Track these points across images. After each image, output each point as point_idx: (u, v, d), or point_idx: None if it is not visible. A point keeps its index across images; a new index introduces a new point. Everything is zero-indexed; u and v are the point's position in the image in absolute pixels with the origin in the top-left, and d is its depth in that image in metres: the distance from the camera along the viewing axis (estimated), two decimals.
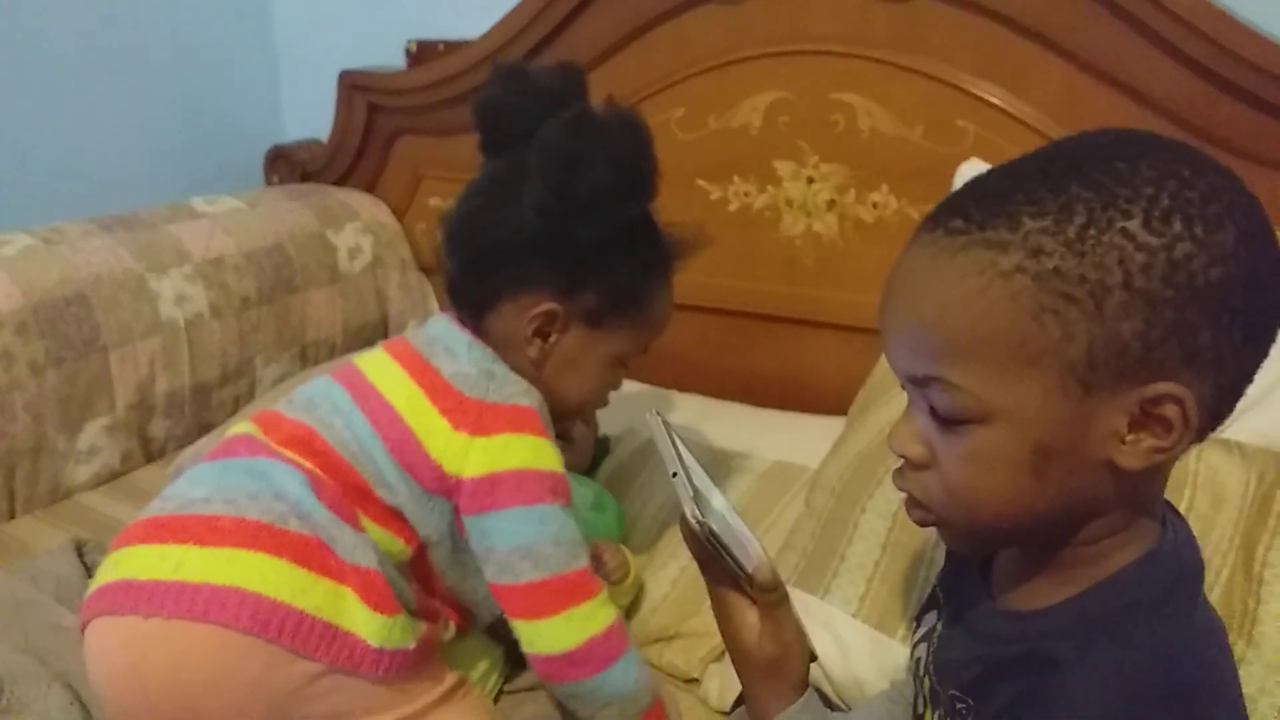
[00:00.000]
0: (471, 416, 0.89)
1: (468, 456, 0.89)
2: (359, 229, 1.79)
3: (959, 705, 0.60)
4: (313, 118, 1.95)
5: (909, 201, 1.38)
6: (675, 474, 0.59)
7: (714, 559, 0.59)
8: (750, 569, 0.59)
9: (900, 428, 0.59)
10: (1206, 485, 0.94)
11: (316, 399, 0.94)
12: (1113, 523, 0.57)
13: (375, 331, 1.83)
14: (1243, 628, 0.84)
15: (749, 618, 0.64)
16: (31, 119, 1.72)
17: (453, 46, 1.74)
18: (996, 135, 1.30)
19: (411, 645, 0.83)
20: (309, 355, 1.72)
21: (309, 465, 0.87)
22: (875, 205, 1.40)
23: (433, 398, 0.91)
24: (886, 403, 1.16)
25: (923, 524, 0.61)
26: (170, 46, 1.92)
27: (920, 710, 0.68)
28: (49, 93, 1.74)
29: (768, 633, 0.68)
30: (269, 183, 1.97)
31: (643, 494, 1.25)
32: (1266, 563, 0.85)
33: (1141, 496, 0.57)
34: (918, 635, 0.71)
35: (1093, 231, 0.50)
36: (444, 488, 0.89)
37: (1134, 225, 0.50)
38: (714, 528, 0.57)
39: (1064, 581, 0.58)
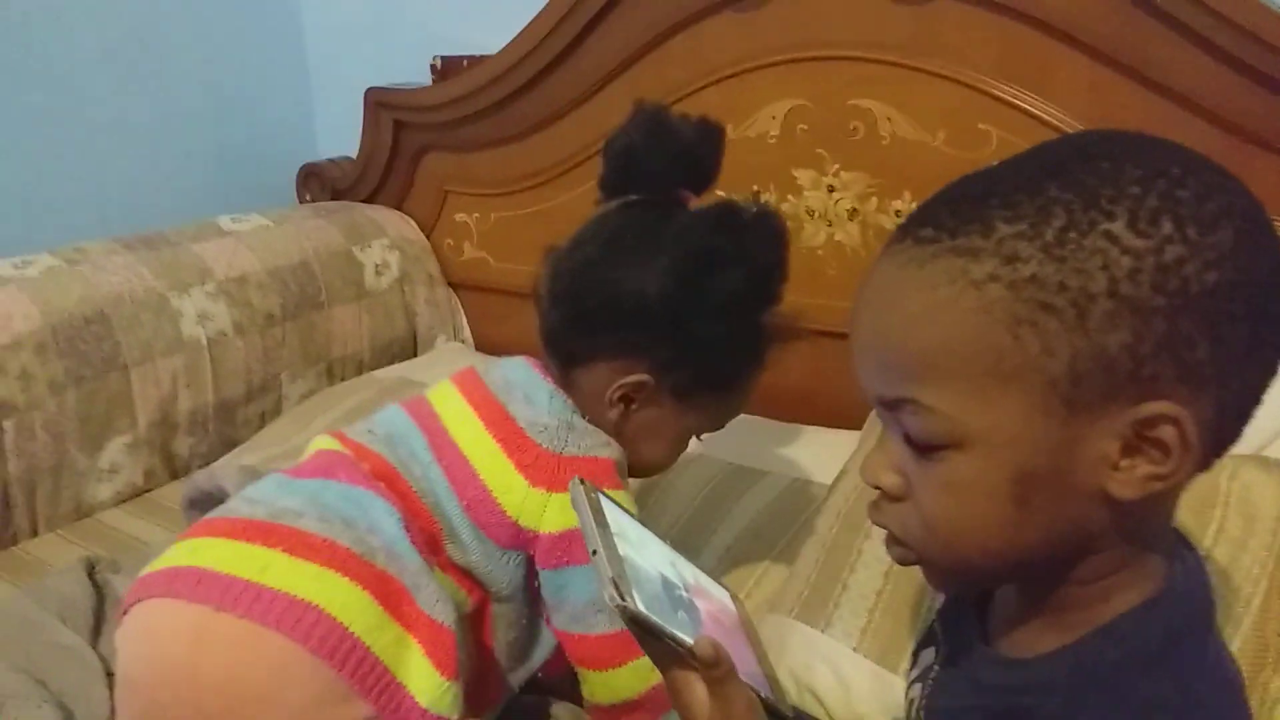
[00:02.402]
0: (548, 472, 0.87)
1: (544, 513, 0.87)
2: (386, 245, 1.79)
3: None
4: (345, 135, 1.96)
5: None
6: (595, 552, 0.55)
7: (651, 637, 0.54)
8: (690, 644, 0.54)
9: (873, 456, 0.55)
10: (1239, 505, 0.89)
11: (396, 439, 0.91)
12: (1111, 560, 0.51)
13: (403, 347, 1.83)
14: (1278, 663, 0.78)
15: (698, 693, 0.57)
16: (62, 140, 1.76)
17: (476, 61, 1.74)
18: (1021, 138, 1.25)
19: (455, 718, 0.79)
20: (335, 371, 1.72)
21: (399, 505, 0.85)
22: (898, 213, 1.36)
23: (509, 451, 0.88)
24: None
25: (903, 562, 0.56)
26: (202, 65, 1.95)
27: None
28: (80, 113, 1.77)
29: (718, 710, 0.59)
30: (301, 200, 1.98)
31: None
32: None
33: (1143, 530, 0.52)
34: (914, 674, 0.66)
35: (1073, 235, 0.46)
36: (520, 541, 0.88)
37: (1118, 227, 0.45)
38: (640, 609, 0.52)
39: (1059, 626, 0.53)
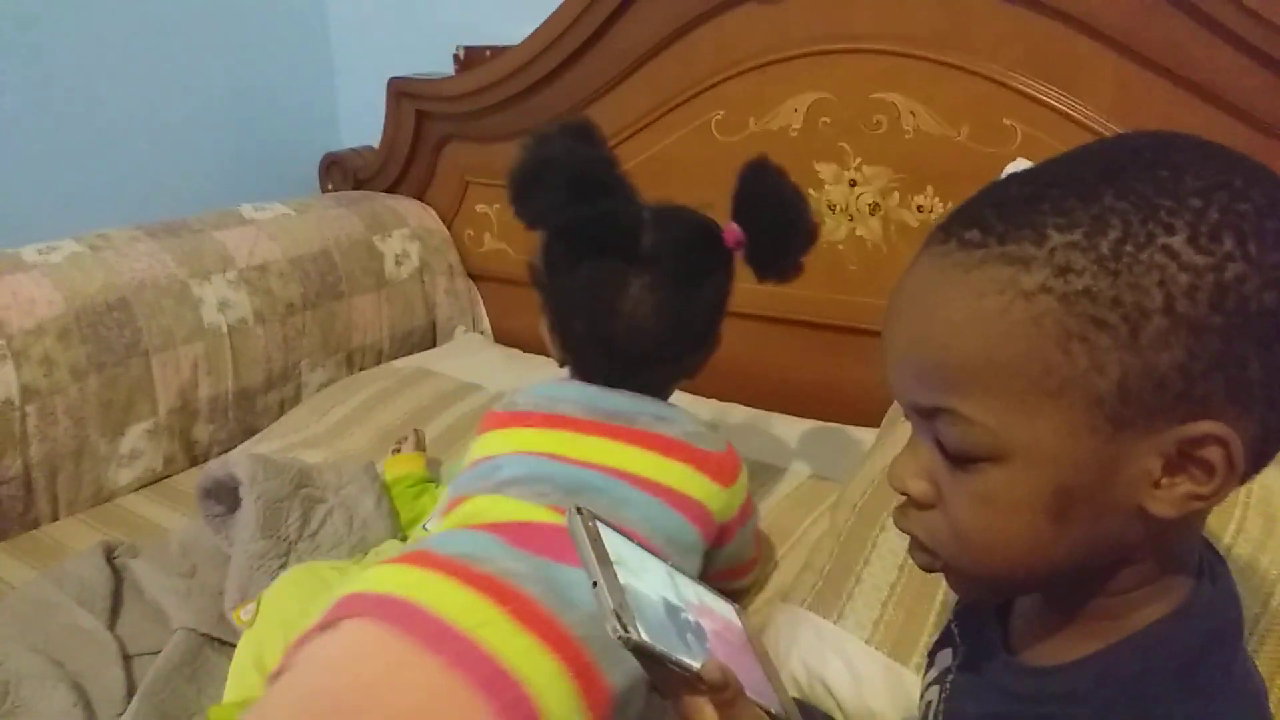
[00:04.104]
0: (727, 469, 0.99)
1: (731, 504, 0.99)
2: (406, 235, 1.80)
3: None
4: (367, 124, 1.96)
5: (955, 204, 1.31)
6: (595, 584, 0.54)
7: (658, 664, 0.54)
8: (697, 668, 0.53)
9: (902, 462, 0.53)
10: (1260, 506, 0.87)
11: (592, 491, 0.92)
12: (1142, 572, 0.50)
13: (422, 337, 1.83)
14: None
15: (708, 717, 0.55)
16: (87, 128, 1.77)
17: (499, 52, 1.74)
18: (1046, 134, 1.24)
19: None
20: (355, 360, 1.73)
21: None
22: (920, 208, 1.35)
23: (697, 466, 0.97)
24: None
25: (928, 569, 0.54)
26: (226, 54, 1.96)
27: None
28: (105, 101, 1.79)
29: None
30: (324, 190, 1.98)
31: None
32: None
33: (1175, 544, 0.50)
34: (930, 675, 0.65)
35: (1129, 248, 0.43)
36: (720, 540, 1.00)
37: (1178, 242, 0.43)
38: (644, 639, 0.52)
39: (1085, 635, 0.52)
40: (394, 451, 1.30)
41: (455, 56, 1.82)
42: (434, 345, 1.86)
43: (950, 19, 1.27)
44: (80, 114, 1.76)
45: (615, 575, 0.54)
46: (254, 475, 1.12)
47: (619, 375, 1.00)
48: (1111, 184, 0.45)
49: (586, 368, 1.02)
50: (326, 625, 0.79)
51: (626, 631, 0.51)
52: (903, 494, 0.53)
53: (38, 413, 1.33)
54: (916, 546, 0.54)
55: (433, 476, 1.23)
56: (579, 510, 0.57)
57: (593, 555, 0.54)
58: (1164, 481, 0.46)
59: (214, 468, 1.17)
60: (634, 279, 0.97)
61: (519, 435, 0.97)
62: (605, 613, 0.52)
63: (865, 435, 1.35)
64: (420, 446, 1.28)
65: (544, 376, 1.08)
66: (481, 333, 1.89)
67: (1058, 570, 0.50)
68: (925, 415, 0.50)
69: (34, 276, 1.38)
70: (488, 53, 1.77)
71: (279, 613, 0.96)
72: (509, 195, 0.98)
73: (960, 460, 0.49)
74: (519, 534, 0.87)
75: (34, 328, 1.34)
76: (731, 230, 1.00)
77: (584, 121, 1.04)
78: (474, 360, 1.70)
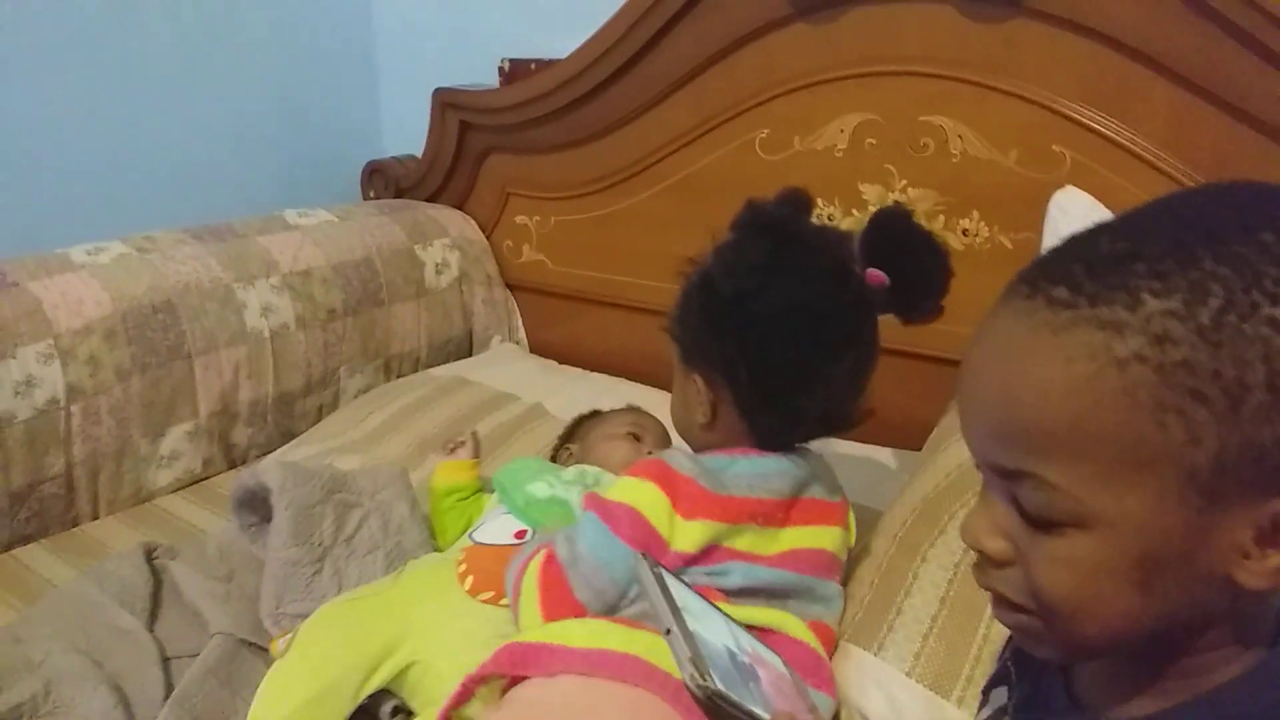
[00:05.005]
0: (847, 514, 1.01)
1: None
2: (447, 245, 1.81)
3: None
4: (410, 134, 1.98)
5: (1001, 229, 1.31)
6: (669, 631, 0.53)
7: (726, 716, 0.53)
8: (769, 717, 0.53)
9: (976, 518, 0.51)
10: None
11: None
12: (1220, 635, 0.49)
13: (459, 346, 1.84)
14: None
15: None
16: (133, 129, 1.79)
17: (544, 65, 1.74)
18: (1096, 162, 1.23)
19: None
20: (392, 367, 1.74)
21: None
22: (966, 232, 1.34)
23: (840, 522, 0.98)
24: (958, 442, 1.10)
25: (1017, 629, 0.53)
26: (273, 61, 1.98)
27: None
28: (151, 103, 1.81)
29: None
30: (366, 197, 2.00)
31: None
32: None
33: (1254, 610, 0.49)
34: (984, 713, 0.64)
35: (1231, 318, 0.42)
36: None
37: None
38: (721, 688, 0.51)
39: (1156, 692, 0.51)
40: (450, 450, 1.29)
41: (500, 69, 1.83)
42: (470, 354, 1.86)
43: (1001, 43, 1.26)
44: (130, 119, 1.78)
45: (686, 622, 0.53)
46: (283, 483, 1.12)
47: (801, 439, 0.99)
48: (1211, 246, 0.43)
49: (770, 437, 0.96)
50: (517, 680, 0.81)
51: (705, 680, 0.50)
52: (977, 551, 0.52)
53: (82, 412, 1.35)
54: (1000, 604, 0.52)
55: (483, 485, 1.23)
56: (644, 557, 0.57)
57: (664, 603, 0.54)
58: (1255, 553, 0.45)
59: (245, 478, 1.18)
60: (849, 354, 0.96)
61: (741, 533, 0.92)
62: (682, 660, 0.51)
63: (901, 459, 1.34)
64: (476, 452, 1.27)
65: (717, 450, 0.99)
66: (517, 343, 1.90)
67: (1139, 634, 0.48)
68: (1005, 476, 0.49)
69: (82, 277, 1.40)
70: (533, 66, 1.78)
71: (317, 646, 0.96)
72: (741, 284, 0.93)
73: (1041, 524, 0.48)
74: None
75: (81, 328, 1.36)
76: (876, 275, 0.98)
77: (802, 193, 1.04)
78: (510, 370, 1.71)
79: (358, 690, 0.94)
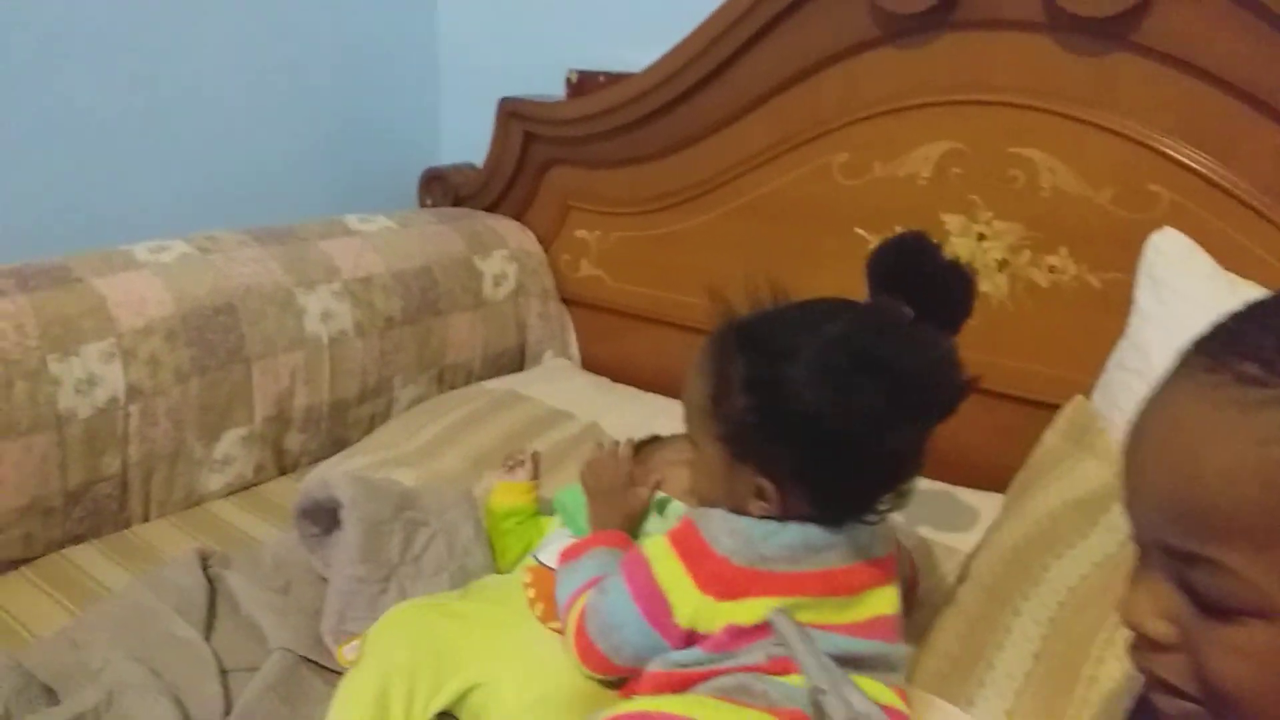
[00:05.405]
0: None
1: None
2: (506, 256, 1.78)
3: None
4: (469, 141, 1.96)
5: (1089, 267, 1.27)
6: (825, 692, 0.50)
7: None
8: None
9: (1138, 597, 0.49)
10: None
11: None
12: None
13: (512, 359, 1.81)
14: None
15: None
16: (194, 129, 1.78)
17: (614, 78, 1.72)
18: (1195, 203, 1.19)
19: None
20: (446, 379, 1.71)
21: None
22: (1052, 269, 1.30)
23: (892, 579, 0.89)
24: (1045, 486, 1.06)
25: (1179, 716, 0.49)
26: (335, 65, 1.96)
27: None
28: (211, 103, 1.79)
29: None
30: (423, 204, 1.98)
31: None
32: None
33: None
34: None
35: None
36: None
37: None
38: None
39: None
40: (508, 469, 1.24)
41: (568, 80, 1.80)
42: (522, 368, 1.84)
43: (1099, 78, 1.22)
44: (191, 119, 1.77)
45: (842, 685, 0.51)
46: (355, 498, 1.10)
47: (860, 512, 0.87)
48: None
49: (828, 514, 0.85)
50: None
51: None
52: (1138, 633, 0.49)
53: (140, 413, 1.32)
54: (1158, 687, 0.49)
55: (542, 509, 1.20)
56: (782, 610, 0.54)
57: (816, 661, 0.51)
58: None
59: (313, 488, 1.15)
60: (918, 426, 0.86)
61: (798, 605, 0.81)
62: None
63: (976, 500, 1.30)
64: (536, 473, 1.24)
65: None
66: (569, 358, 1.87)
67: None
68: (1177, 557, 0.46)
69: (144, 275, 1.38)
70: (601, 78, 1.76)
71: (387, 655, 0.94)
72: (846, 428, 0.80)
73: (1216, 611, 0.45)
74: None
75: (143, 327, 1.33)
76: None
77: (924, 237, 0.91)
78: (564, 387, 1.68)
79: (426, 704, 0.91)
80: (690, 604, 0.82)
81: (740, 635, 0.80)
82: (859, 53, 1.40)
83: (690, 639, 0.83)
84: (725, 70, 1.51)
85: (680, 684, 0.81)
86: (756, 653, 0.79)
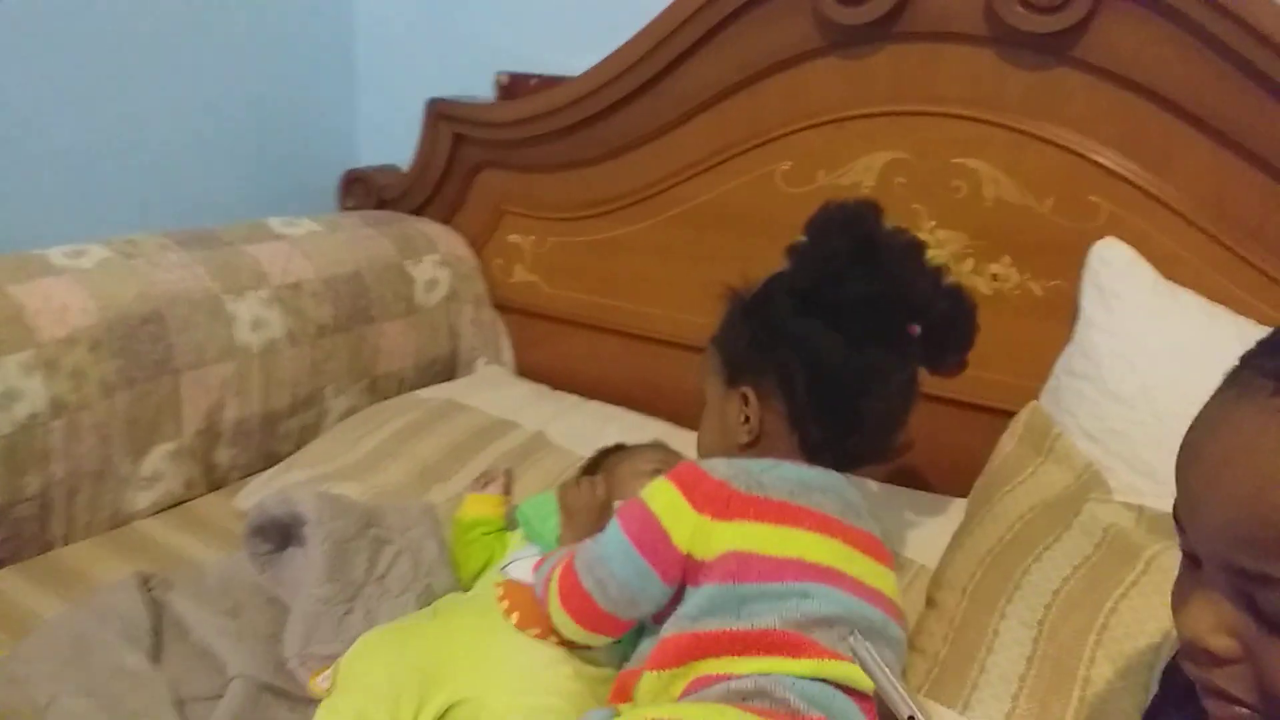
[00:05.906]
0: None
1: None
2: (437, 261, 1.74)
3: None
4: (389, 142, 1.90)
5: (1032, 275, 1.31)
6: (912, 718, 0.50)
7: None
8: None
9: (1198, 611, 0.49)
10: None
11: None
12: None
13: (444, 366, 1.77)
14: None
15: None
16: (107, 128, 1.68)
17: (547, 81, 1.70)
18: (1133, 214, 1.24)
19: None
20: (378, 388, 1.66)
21: None
22: (995, 277, 1.33)
23: (890, 565, 0.93)
24: (1011, 491, 1.09)
25: None
26: (249, 60, 1.88)
27: None
28: (124, 101, 1.70)
29: None
30: (343, 206, 1.91)
31: None
32: None
33: None
34: None
35: None
36: None
37: None
38: None
39: None
40: (482, 485, 1.23)
41: (498, 83, 1.77)
42: (453, 375, 1.80)
43: (1043, 91, 1.26)
44: (98, 112, 1.67)
45: (924, 710, 0.50)
46: (320, 515, 1.06)
47: (848, 458, 0.96)
48: None
49: (820, 448, 0.95)
50: None
51: None
52: (1198, 647, 0.49)
53: (64, 428, 1.24)
54: (1213, 695, 0.50)
55: (507, 524, 1.18)
56: (858, 636, 0.54)
57: (899, 686, 0.50)
58: None
59: (271, 505, 1.10)
60: (905, 368, 0.97)
61: (799, 540, 0.85)
62: None
63: (940, 504, 1.32)
64: (507, 489, 1.22)
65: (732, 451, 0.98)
66: (503, 365, 1.83)
67: None
68: (1244, 576, 0.47)
69: (65, 281, 1.30)
70: (533, 81, 1.73)
71: (363, 680, 0.90)
72: (822, 271, 0.96)
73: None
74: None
75: (65, 337, 1.25)
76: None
77: (875, 201, 1.04)
78: (503, 395, 1.64)
79: None
80: (687, 525, 0.85)
81: (746, 564, 0.82)
82: (803, 61, 1.41)
83: (689, 571, 0.84)
84: (667, 76, 1.50)
85: (693, 649, 0.81)
86: (769, 616, 0.80)
